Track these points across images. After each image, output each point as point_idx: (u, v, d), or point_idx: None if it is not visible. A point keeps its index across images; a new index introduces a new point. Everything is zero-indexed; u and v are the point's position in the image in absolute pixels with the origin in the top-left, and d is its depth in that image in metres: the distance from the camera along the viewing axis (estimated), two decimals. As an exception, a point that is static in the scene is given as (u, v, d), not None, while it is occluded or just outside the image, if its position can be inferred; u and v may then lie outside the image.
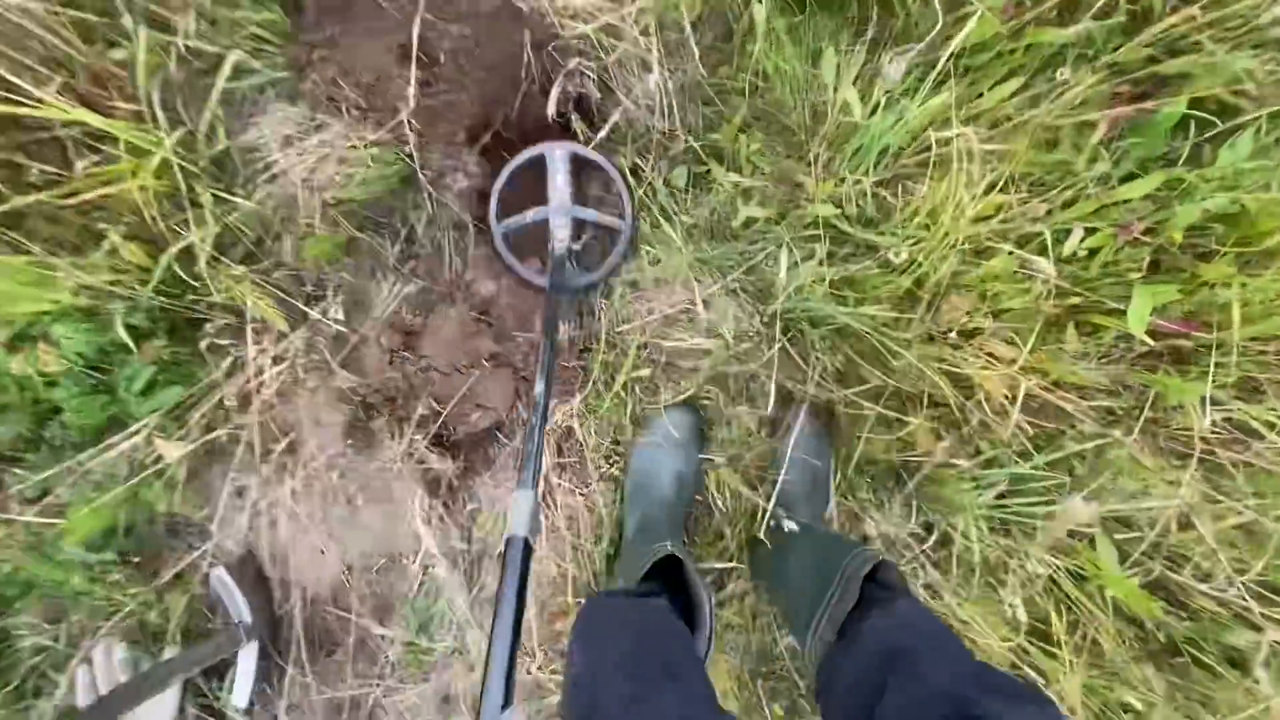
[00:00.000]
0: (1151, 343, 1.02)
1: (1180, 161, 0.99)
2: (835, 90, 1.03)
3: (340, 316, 0.99)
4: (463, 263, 1.12)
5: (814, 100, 1.08)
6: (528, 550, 0.67)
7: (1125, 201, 1.01)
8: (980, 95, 1.01)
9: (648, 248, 1.14)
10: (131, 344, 0.88)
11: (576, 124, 1.10)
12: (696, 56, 1.03)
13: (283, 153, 1.00)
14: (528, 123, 1.15)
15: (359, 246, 1.05)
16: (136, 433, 0.92)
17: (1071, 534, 1.04)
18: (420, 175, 1.05)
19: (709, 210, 1.14)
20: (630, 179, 1.12)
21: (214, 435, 0.97)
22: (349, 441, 1.02)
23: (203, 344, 0.96)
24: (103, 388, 0.93)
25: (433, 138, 1.08)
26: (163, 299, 0.93)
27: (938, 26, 0.91)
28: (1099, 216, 1.01)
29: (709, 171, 1.14)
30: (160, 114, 0.90)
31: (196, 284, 0.94)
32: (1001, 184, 1.00)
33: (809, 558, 0.92)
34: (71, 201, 0.86)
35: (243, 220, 0.98)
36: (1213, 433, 1.02)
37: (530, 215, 1.11)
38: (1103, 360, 1.08)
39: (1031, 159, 1.01)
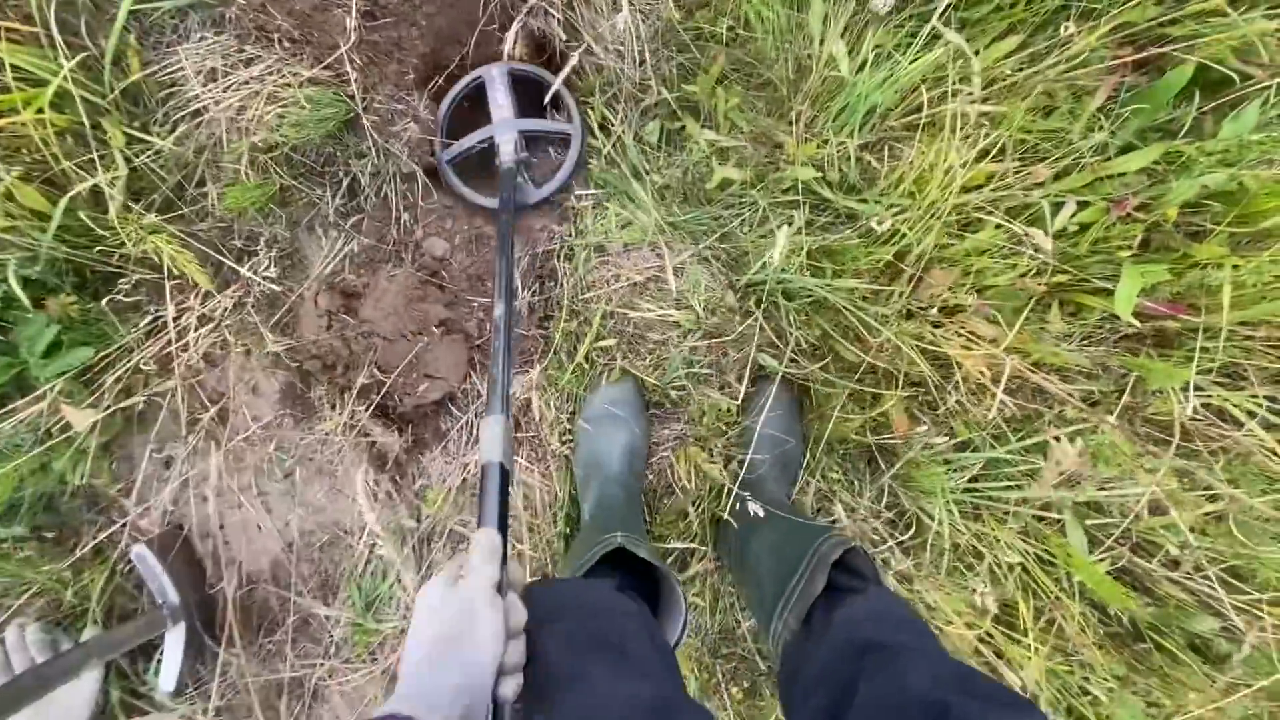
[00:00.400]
0: (1137, 324, 0.98)
1: (1181, 134, 0.93)
2: (822, 42, 0.95)
3: (273, 274, 0.90)
4: (412, 218, 1.03)
5: (798, 53, 1.00)
6: (504, 475, 0.63)
7: (1120, 175, 0.95)
8: (977, 52, 0.94)
9: (617, 209, 1.06)
10: (25, 300, 0.78)
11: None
12: (667, 15, 0.94)
13: (205, 88, 0.90)
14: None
15: (295, 197, 0.95)
16: (40, 398, 0.83)
17: (1041, 518, 1.02)
18: (364, 120, 0.95)
19: (682, 170, 1.05)
20: (570, 92, 1.07)
21: (131, 402, 0.88)
22: (284, 411, 0.94)
23: (111, 300, 0.86)
24: (1, 347, 0.83)
25: (377, 78, 0.97)
26: (66, 249, 0.83)
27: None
28: (1092, 190, 0.96)
29: (683, 128, 1.05)
30: (58, 37, 0.79)
31: (106, 234, 0.84)
32: (994, 151, 0.93)
33: (776, 540, 0.88)
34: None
35: (160, 163, 0.87)
36: (1192, 419, 0.99)
37: (476, 137, 1.06)
38: (1084, 341, 1.04)
39: (1026, 124, 0.94)
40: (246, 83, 0.90)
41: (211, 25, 0.92)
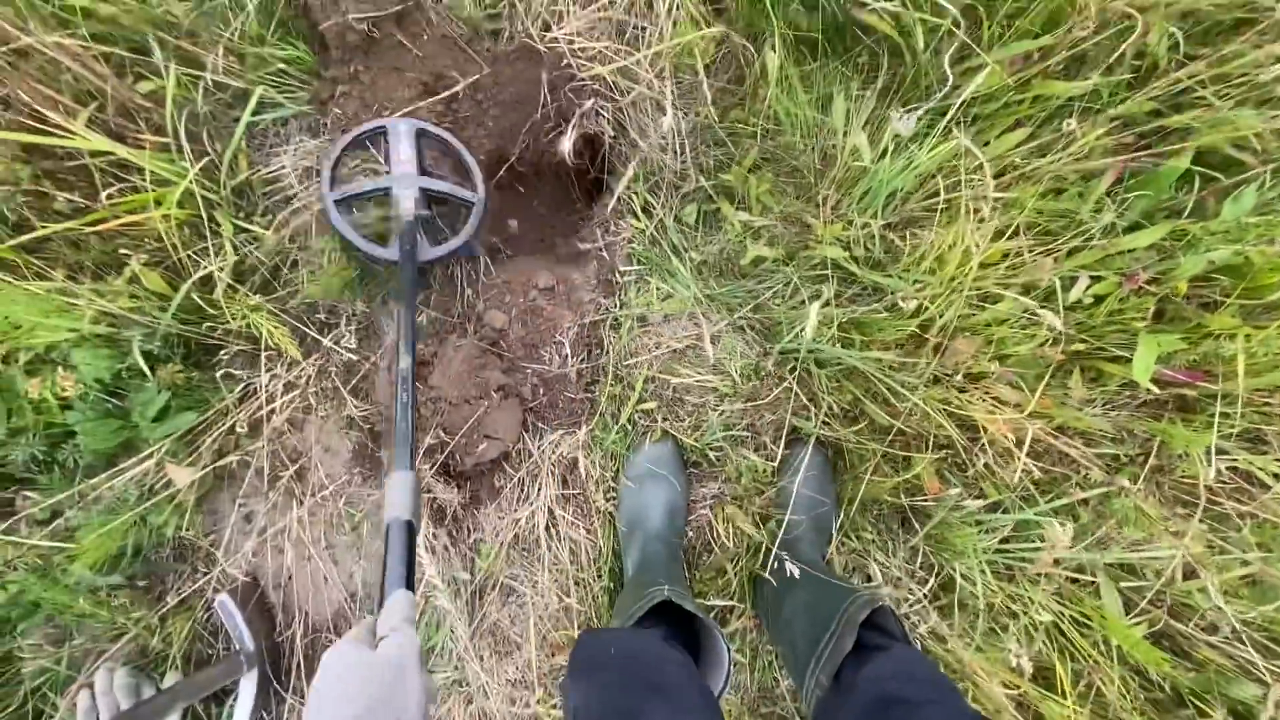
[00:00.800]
0: (1157, 391, 1.03)
1: (1185, 213, 1.00)
2: (845, 135, 1.05)
3: (353, 345, 1.01)
4: (474, 293, 1.13)
5: (824, 144, 1.10)
6: (411, 532, 0.65)
7: (1130, 251, 1.02)
8: (987, 143, 1.03)
9: (659, 283, 1.16)
10: (148, 370, 0.90)
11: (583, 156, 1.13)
12: (709, 100, 1.05)
13: (302, 185, 1.03)
14: (542, 158, 1.17)
15: (371, 276, 1.07)
16: (148, 457, 0.93)
17: (1075, 580, 1.04)
18: (433, 208, 1.07)
19: (718, 248, 1.15)
20: (472, 154, 1.08)
21: (224, 461, 0.98)
22: (355, 469, 1.02)
23: (218, 371, 0.97)
24: (117, 412, 0.94)
25: (448, 170, 1.10)
26: (179, 325, 0.95)
27: (947, 84, 0.93)
28: (1104, 265, 1.03)
29: (719, 210, 1.16)
30: (186, 145, 0.92)
31: (214, 311, 0.96)
32: (1009, 231, 1.01)
33: (809, 599, 0.92)
34: (96, 229, 0.88)
35: (261, 249, 1.00)
36: (1218, 482, 1.03)
37: (369, 184, 1.02)
38: (1107, 406, 1.08)
39: (1038, 207, 1.02)
40: (337, 179, 1.03)
41: (308, 130, 1.06)
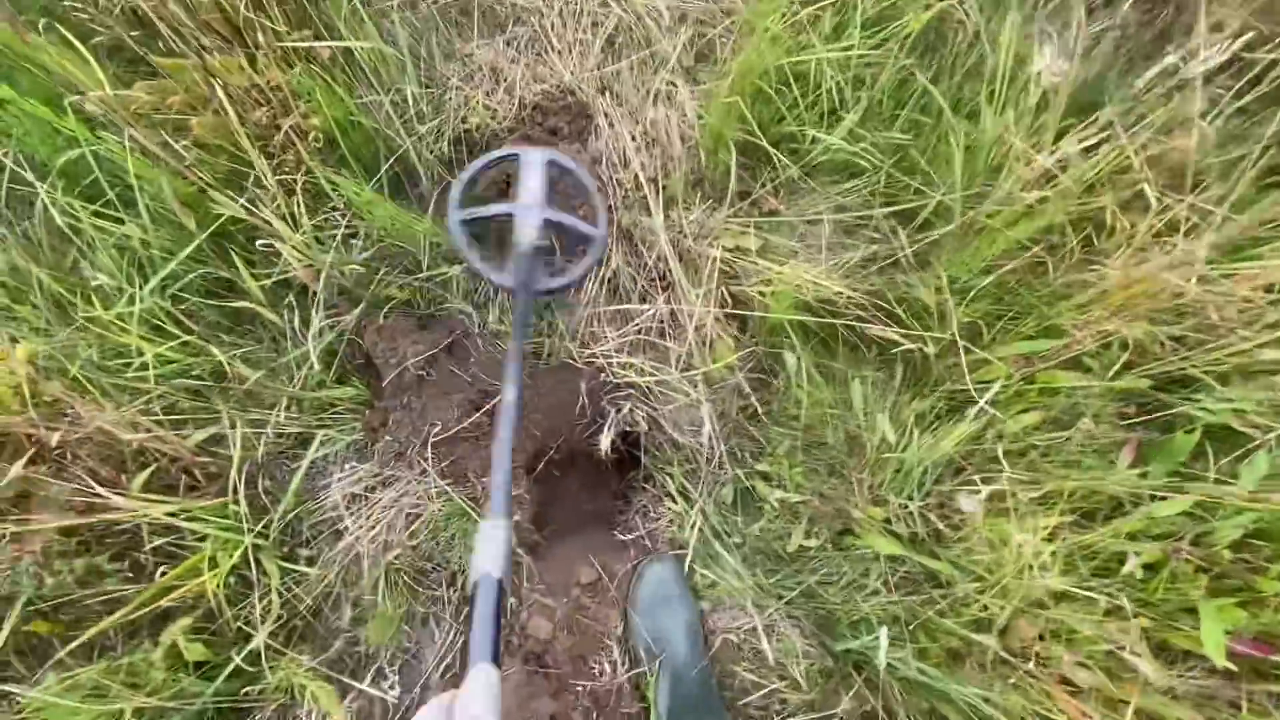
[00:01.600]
0: (1233, 666, 1.00)
1: (1212, 477, 1.04)
2: (865, 415, 1.12)
3: (396, 692, 0.95)
4: (517, 600, 1.10)
5: (848, 426, 1.17)
6: (501, 593, 0.57)
7: (1165, 516, 1.05)
8: (1004, 423, 1.10)
9: (702, 569, 1.14)
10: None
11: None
12: (736, 408, 1.12)
13: (351, 514, 1.03)
14: (580, 451, 1.21)
15: (419, 598, 1.04)
16: None
17: None
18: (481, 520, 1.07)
19: (759, 528, 1.16)
20: (605, 190, 1.10)
21: None
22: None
23: (249, 735, 0.90)
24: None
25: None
26: (215, 696, 0.89)
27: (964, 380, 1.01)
28: (1145, 531, 1.04)
29: (754, 487, 1.18)
30: (244, 505, 0.94)
31: (252, 670, 0.91)
32: (1046, 505, 1.04)
33: None
34: (147, 609, 0.86)
35: (305, 587, 0.97)
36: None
37: (495, 208, 1.03)
38: (1185, 673, 1.04)
39: (1063, 484, 1.06)
40: (386, 505, 1.04)
41: (357, 455, 1.09)
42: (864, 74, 1.14)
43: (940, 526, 1.08)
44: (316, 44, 1.00)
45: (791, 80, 1.10)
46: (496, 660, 0.53)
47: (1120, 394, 1.11)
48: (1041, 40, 0.92)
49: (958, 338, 1.03)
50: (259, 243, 0.97)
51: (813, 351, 1.18)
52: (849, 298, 1.07)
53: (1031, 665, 1.02)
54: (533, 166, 1.05)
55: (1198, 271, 0.92)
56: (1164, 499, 1.05)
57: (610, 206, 1.15)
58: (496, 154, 1.07)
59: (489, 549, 0.61)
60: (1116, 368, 1.09)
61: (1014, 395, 1.10)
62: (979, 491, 1.00)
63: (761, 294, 1.10)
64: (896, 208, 1.10)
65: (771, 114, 1.16)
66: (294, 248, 0.96)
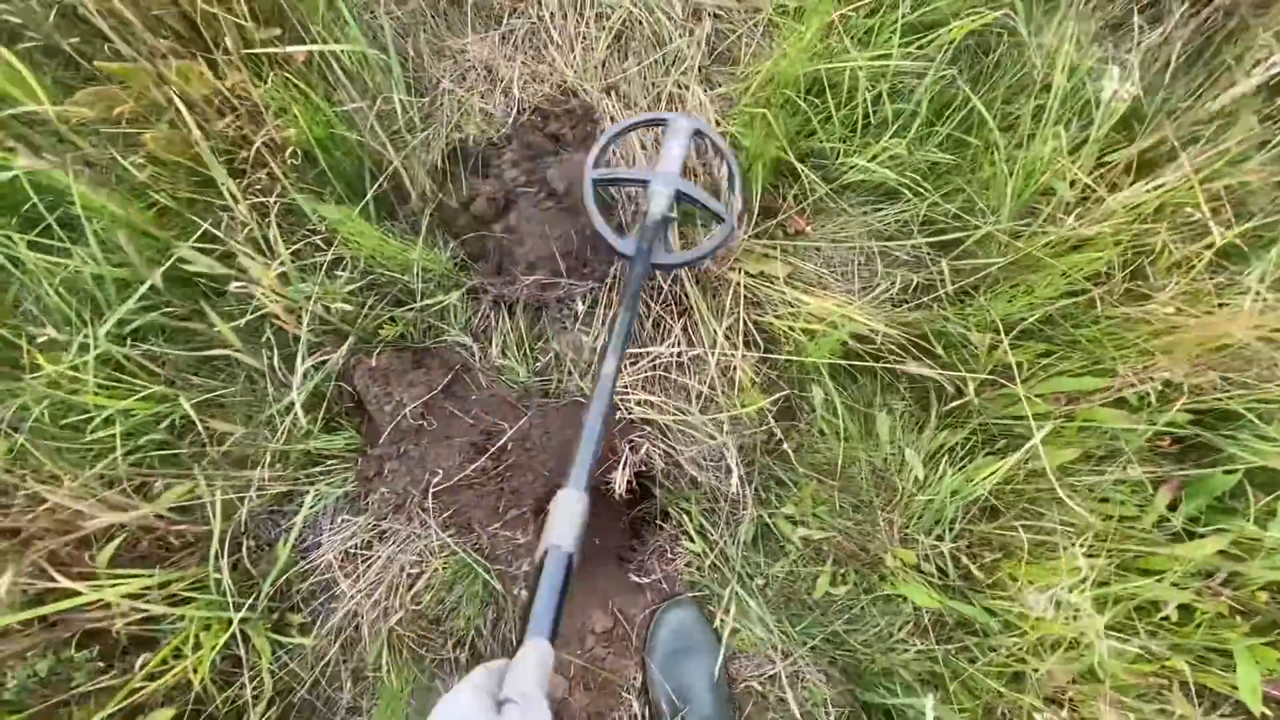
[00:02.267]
0: (1270, 713, 0.98)
1: (1251, 516, 1.01)
2: (891, 447, 1.06)
3: (406, 771, 0.88)
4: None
5: (873, 458, 1.11)
6: (570, 569, 0.54)
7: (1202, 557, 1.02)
8: (1039, 459, 1.04)
9: (720, 614, 1.08)
10: None
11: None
12: (760, 445, 1.05)
13: (345, 574, 0.94)
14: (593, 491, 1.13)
15: (425, 658, 0.97)
16: None
17: None
18: (488, 577, 0.99)
19: (784, 571, 1.10)
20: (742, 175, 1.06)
21: None
22: None
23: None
24: None
25: (499, 523, 1.04)
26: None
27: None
28: (1176, 572, 1.01)
29: (777, 525, 1.12)
30: (226, 576, 0.84)
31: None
32: (1084, 549, 1.00)
33: None
34: (123, 704, 0.76)
35: (300, 663, 0.89)
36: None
37: (630, 173, 1.02)
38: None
39: (1099, 525, 1.02)
40: (383, 563, 0.95)
41: (349, 508, 1.00)
42: (901, 84, 1.04)
43: (972, 568, 1.03)
44: (290, 49, 0.87)
45: (827, 88, 1.00)
46: (554, 637, 0.50)
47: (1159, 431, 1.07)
48: (1112, 59, 0.83)
49: (1006, 379, 0.96)
50: (232, 286, 0.84)
51: (840, 386, 1.11)
52: (885, 334, 1.00)
53: (1065, 714, 0.99)
54: (679, 134, 1.02)
55: (1268, 325, 0.86)
56: (1200, 538, 1.02)
57: (746, 195, 1.09)
58: (646, 116, 1.05)
59: (564, 520, 0.58)
60: (1158, 405, 1.05)
61: (1052, 433, 1.05)
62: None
63: (790, 329, 1.02)
64: (939, 238, 1.02)
65: (799, 125, 1.06)
66: (270, 289, 0.85)
